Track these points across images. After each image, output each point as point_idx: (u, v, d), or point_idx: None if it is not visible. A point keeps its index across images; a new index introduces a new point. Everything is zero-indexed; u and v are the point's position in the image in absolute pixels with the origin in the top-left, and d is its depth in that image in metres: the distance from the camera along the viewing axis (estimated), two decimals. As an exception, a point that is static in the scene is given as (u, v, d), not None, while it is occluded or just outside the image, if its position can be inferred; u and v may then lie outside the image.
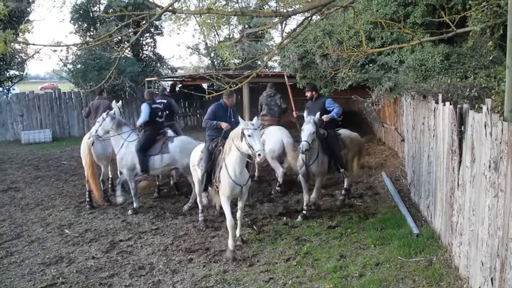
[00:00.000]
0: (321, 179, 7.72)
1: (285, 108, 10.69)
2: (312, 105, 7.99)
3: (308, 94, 8.10)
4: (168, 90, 9.23)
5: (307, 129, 7.11)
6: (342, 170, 7.77)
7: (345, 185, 8.40)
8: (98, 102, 10.00)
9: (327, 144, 7.61)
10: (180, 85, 20.26)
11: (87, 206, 8.62)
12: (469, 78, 7.96)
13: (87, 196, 8.73)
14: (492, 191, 3.90)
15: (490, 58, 8.37)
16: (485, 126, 4.09)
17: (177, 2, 4.93)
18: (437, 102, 6.17)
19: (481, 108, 4.27)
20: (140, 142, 8.28)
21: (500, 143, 3.67)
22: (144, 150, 8.22)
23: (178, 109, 9.97)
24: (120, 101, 12.76)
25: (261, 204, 8.45)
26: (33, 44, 10.61)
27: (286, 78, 13.22)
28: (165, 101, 9.53)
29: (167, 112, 9.29)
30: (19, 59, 19.95)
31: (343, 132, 8.31)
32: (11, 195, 9.72)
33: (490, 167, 3.95)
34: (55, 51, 20.15)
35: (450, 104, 5.44)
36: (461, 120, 4.92)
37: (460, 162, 5.04)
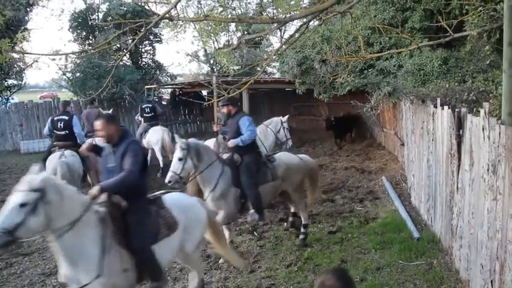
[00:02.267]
0: (225, 218, 6.07)
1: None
2: (230, 122, 6.67)
3: (224, 110, 6.64)
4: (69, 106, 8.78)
5: (174, 156, 5.96)
6: (251, 211, 6.18)
7: (303, 221, 6.82)
8: (88, 111, 10.01)
9: (239, 175, 6.15)
10: (180, 92, 20.32)
11: None
12: (467, 82, 7.99)
13: None
14: (491, 194, 3.92)
15: (488, 62, 8.41)
16: (483, 129, 4.11)
17: (174, 9, 4.96)
18: (435, 107, 6.20)
19: (479, 111, 4.30)
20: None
21: (498, 146, 3.69)
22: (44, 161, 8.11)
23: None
24: (152, 114, 12.67)
25: (261, 211, 8.43)
26: (30, 53, 10.62)
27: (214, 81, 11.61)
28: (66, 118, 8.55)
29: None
30: (17, 68, 19.92)
31: (280, 157, 6.70)
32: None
33: (488, 170, 3.97)
34: (54, 59, 20.21)
35: (448, 108, 5.48)
36: (459, 124, 4.95)
37: (459, 165, 5.06)
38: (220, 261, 6.11)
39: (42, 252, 6.94)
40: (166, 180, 5.94)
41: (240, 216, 7.49)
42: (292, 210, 7.15)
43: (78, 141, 8.36)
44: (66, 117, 8.37)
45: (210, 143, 8.96)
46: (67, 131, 8.31)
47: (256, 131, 6.53)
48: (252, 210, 6.18)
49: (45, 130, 8.81)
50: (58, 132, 8.36)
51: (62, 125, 8.33)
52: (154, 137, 11.85)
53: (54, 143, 8.40)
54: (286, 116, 10.50)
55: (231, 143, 6.28)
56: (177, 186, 5.97)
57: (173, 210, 4.46)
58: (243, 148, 6.24)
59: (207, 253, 6.52)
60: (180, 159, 5.80)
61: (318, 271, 5.70)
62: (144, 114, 12.64)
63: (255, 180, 6.16)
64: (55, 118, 8.51)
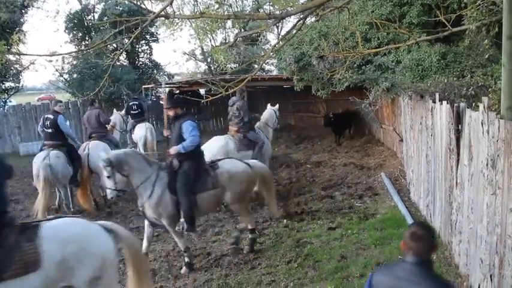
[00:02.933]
0: (169, 224, 5.92)
1: (247, 118, 9.20)
2: (175, 126, 6.31)
3: (170, 113, 6.33)
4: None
5: (104, 173, 5.87)
6: (181, 220, 5.84)
7: (249, 226, 6.52)
8: (89, 113, 9.90)
9: (175, 181, 5.88)
10: (178, 91, 20.28)
11: None
12: (465, 77, 7.98)
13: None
14: (490, 188, 3.91)
15: (487, 56, 8.40)
16: (482, 124, 4.10)
17: (170, 7, 4.94)
18: (434, 102, 6.19)
19: (478, 106, 4.28)
20: None
21: (497, 140, 3.68)
22: None
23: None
24: (124, 111, 12.88)
25: (261, 208, 8.44)
26: (26, 54, 10.57)
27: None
28: (52, 117, 8.61)
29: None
30: (14, 71, 19.88)
31: (224, 164, 6.31)
32: (11, 207, 9.66)
33: (487, 164, 3.96)
34: (51, 61, 20.11)
35: (447, 103, 5.46)
36: (458, 119, 4.94)
37: (458, 160, 5.05)
38: None
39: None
40: (109, 197, 5.94)
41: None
42: (241, 226, 6.76)
43: (69, 140, 8.60)
44: (52, 117, 8.50)
45: (219, 140, 9.02)
46: (53, 130, 8.46)
47: (199, 137, 6.05)
48: (181, 219, 5.84)
49: (38, 127, 9.01)
50: (46, 130, 8.55)
51: (48, 123, 8.49)
52: (138, 134, 12.24)
53: (44, 142, 8.60)
54: (276, 106, 10.57)
55: (173, 149, 5.98)
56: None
57: (46, 243, 3.58)
58: (183, 154, 5.91)
59: (207, 250, 6.52)
60: (108, 177, 5.75)
61: (317, 267, 5.71)
62: (131, 111, 12.97)
63: (191, 188, 5.86)
64: (45, 116, 8.71)
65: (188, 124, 6.00)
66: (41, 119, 8.78)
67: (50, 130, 8.48)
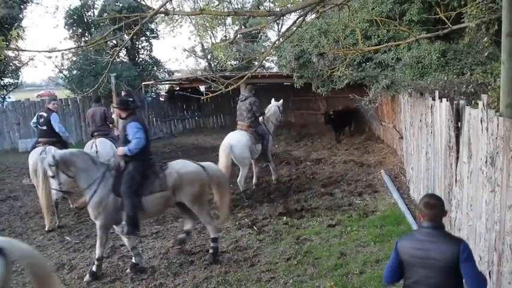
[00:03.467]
0: (102, 225, 5.78)
1: (259, 113, 9.54)
2: (122, 127, 6.22)
3: (122, 114, 6.12)
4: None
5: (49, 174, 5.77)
6: (123, 223, 5.74)
7: (211, 234, 6.24)
8: (93, 109, 9.70)
9: (120, 183, 5.70)
10: (178, 88, 20.29)
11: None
12: (465, 75, 7.98)
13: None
14: (489, 185, 3.92)
15: (486, 54, 8.40)
16: (481, 121, 4.10)
17: (170, 4, 4.93)
18: (434, 99, 6.19)
19: (478, 104, 4.28)
20: None
21: (496, 138, 3.68)
22: None
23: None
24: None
25: (260, 205, 8.46)
26: (25, 50, 10.57)
27: (113, 80, 11.62)
28: (45, 114, 8.64)
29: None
30: (13, 67, 19.84)
31: (174, 165, 6.12)
32: (9, 204, 9.67)
33: (486, 162, 3.97)
34: (50, 57, 20.18)
35: (447, 100, 5.46)
36: (458, 117, 4.94)
37: (457, 158, 5.06)
38: None
39: (43, 249, 6.96)
40: (54, 199, 5.87)
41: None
42: (185, 227, 6.50)
43: (63, 135, 8.56)
44: (46, 114, 8.51)
45: (243, 134, 9.06)
46: (47, 127, 8.48)
47: (144, 139, 5.84)
48: (123, 222, 5.72)
49: (32, 123, 9.01)
50: (40, 127, 8.57)
51: (42, 120, 8.52)
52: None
53: (38, 139, 8.59)
54: (281, 101, 10.73)
55: (119, 151, 5.88)
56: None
57: None
58: (129, 155, 5.78)
59: (207, 248, 6.53)
60: (52, 177, 5.70)
61: (317, 264, 5.72)
62: None
63: (136, 190, 5.68)
64: (39, 113, 8.72)
65: (133, 126, 5.80)
66: (35, 116, 8.81)
67: (44, 127, 8.50)
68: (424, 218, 3.03)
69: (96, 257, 5.86)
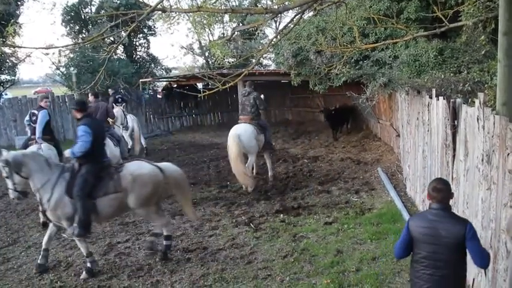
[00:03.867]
0: (69, 226, 5.76)
1: (262, 107, 9.94)
2: None
3: (77, 115, 6.05)
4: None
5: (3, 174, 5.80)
6: (74, 225, 5.66)
7: (164, 232, 6.26)
8: (94, 106, 9.60)
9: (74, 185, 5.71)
10: (175, 85, 20.28)
11: None
12: (462, 73, 8.00)
13: None
14: (485, 183, 3.94)
15: (483, 53, 8.41)
16: (477, 120, 4.12)
17: (167, 1, 4.93)
18: (431, 97, 6.20)
19: (474, 102, 4.30)
20: None
21: (493, 136, 3.70)
22: None
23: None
24: (124, 104, 13.10)
25: (257, 202, 8.46)
26: (22, 47, 10.50)
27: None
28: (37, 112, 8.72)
29: None
30: (10, 63, 19.75)
31: (129, 166, 6.04)
32: (6, 201, 9.63)
33: (482, 160, 3.98)
34: (47, 54, 20.01)
35: (444, 98, 5.48)
36: (454, 115, 4.95)
37: (454, 156, 5.07)
38: None
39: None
40: (11, 198, 5.92)
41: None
42: (155, 230, 6.42)
43: (37, 135, 8.41)
44: (37, 112, 8.56)
45: (249, 126, 9.40)
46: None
47: (88, 142, 5.70)
48: (74, 224, 5.65)
49: (25, 120, 9.10)
50: (33, 125, 8.58)
51: (34, 118, 8.57)
52: (118, 121, 12.49)
53: (32, 136, 8.58)
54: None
55: (66, 152, 5.92)
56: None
57: None
58: (82, 157, 5.75)
59: (204, 245, 6.54)
60: (6, 177, 5.73)
61: (314, 262, 5.73)
62: (117, 104, 13.59)
63: (89, 192, 5.66)
64: (31, 111, 8.78)
65: (81, 129, 5.78)
66: (28, 114, 8.86)
67: (36, 125, 8.52)
68: (433, 201, 3.33)
69: (85, 254, 5.89)
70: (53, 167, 5.85)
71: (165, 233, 6.19)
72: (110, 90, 15.39)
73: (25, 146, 8.46)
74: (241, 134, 9.22)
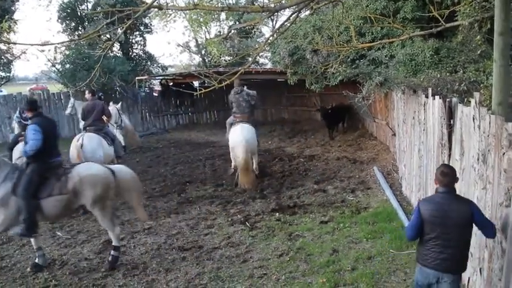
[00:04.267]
0: (1, 226, 5.75)
1: (254, 104, 10.21)
2: None
3: (28, 115, 6.21)
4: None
5: None
6: (20, 225, 5.66)
7: (113, 242, 6.09)
8: (91, 104, 9.39)
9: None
10: (171, 83, 20.22)
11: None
12: (458, 73, 8.01)
13: None
14: (480, 183, 3.95)
15: (479, 52, 8.42)
16: (473, 119, 4.12)
17: (163, -2, 4.91)
18: (427, 97, 6.21)
19: (470, 101, 4.31)
20: None
21: (488, 135, 3.70)
22: None
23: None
24: (121, 103, 13.00)
25: (253, 201, 8.46)
26: (17, 44, 10.43)
27: None
28: None
29: None
30: (5, 60, 19.64)
31: (78, 168, 6.00)
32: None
33: (478, 159, 3.99)
34: (43, 51, 19.97)
35: (440, 98, 5.48)
36: (450, 114, 4.96)
37: (449, 155, 5.08)
38: None
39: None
40: None
41: (233, 208, 7.49)
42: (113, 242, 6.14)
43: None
44: None
45: (250, 126, 9.62)
46: None
47: (39, 140, 5.72)
48: (20, 223, 5.65)
49: (14, 116, 8.97)
50: (24, 122, 8.70)
51: (26, 115, 8.50)
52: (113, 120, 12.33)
53: (22, 133, 8.59)
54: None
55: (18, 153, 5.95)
56: None
57: None
58: (31, 156, 5.78)
59: (199, 244, 6.53)
60: None
61: (309, 260, 5.73)
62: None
63: (33, 192, 5.65)
64: (21, 108, 8.97)
65: (31, 128, 5.80)
66: (17, 111, 8.88)
67: (27, 122, 8.57)
68: (440, 184, 3.63)
69: (34, 248, 6.01)
70: (1, 165, 5.86)
71: (113, 244, 6.07)
72: (123, 85, 15.40)
73: (15, 142, 8.44)
74: (248, 138, 9.32)
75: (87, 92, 9.60)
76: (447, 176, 3.60)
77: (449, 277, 3.57)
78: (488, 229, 3.50)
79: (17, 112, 8.81)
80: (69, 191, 5.74)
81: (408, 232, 3.82)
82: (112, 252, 6.04)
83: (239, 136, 9.33)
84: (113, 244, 6.07)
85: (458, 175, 4.69)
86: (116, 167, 6.37)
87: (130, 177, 6.39)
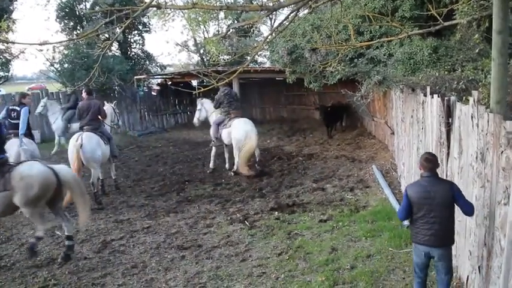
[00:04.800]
0: None
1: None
2: None
3: None
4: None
5: None
6: None
7: (65, 232, 6.37)
8: (87, 103, 9.34)
9: None
10: (170, 82, 20.22)
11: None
12: (456, 71, 8.02)
13: None
14: (479, 181, 3.95)
15: (477, 51, 8.44)
16: (472, 118, 4.13)
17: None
18: (425, 95, 6.22)
19: (468, 100, 4.31)
20: None
21: (487, 134, 3.71)
22: None
23: None
24: (115, 101, 12.99)
25: (252, 200, 8.47)
26: (16, 43, 10.41)
27: None
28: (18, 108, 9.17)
29: None
30: (3, 59, 19.61)
31: (21, 166, 6.12)
32: None
33: (476, 158, 4.00)
34: (41, 50, 19.85)
35: (438, 96, 5.48)
36: (449, 113, 4.96)
37: (448, 153, 5.09)
38: None
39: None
40: None
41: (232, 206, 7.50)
42: (38, 234, 6.23)
43: (20, 131, 8.86)
44: (19, 108, 8.99)
45: (248, 122, 10.41)
46: (19, 121, 8.95)
47: None
48: None
49: (0, 116, 9.35)
50: (12, 121, 8.96)
51: (15, 114, 8.98)
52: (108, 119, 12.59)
53: (10, 131, 8.85)
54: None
55: None
56: None
57: None
58: None
59: (198, 243, 6.53)
60: None
61: (308, 259, 5.74)
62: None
63: None
64: (9, 107, 9.18)
65: None
66: (5, 110, 9.19)
67: (15, 121, 8.93)
68: (424, 170, 4.04)
69: None
70: None
71: (66, 233, 6.24)
72: (122, 84, 15.43)
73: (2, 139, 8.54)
74: (254, 129, 10.19)
75: (83, 91, 9.62)
76: (431, 162, 4.02)
77: (438, 251, 4.00)
78: (468, 206, 3.88)
79: (4, 110, 9.15)
80: (11, 188, 5.83)
81: (399, 214, 4.28)
82: (66, 242, 6.27)
83: (247, 126, 10.20)
84: (65, 234, 6.28)
85: (456, 174, 4.73)
86: (58, 167, 6.38)
87: (73, 177, 6.50)
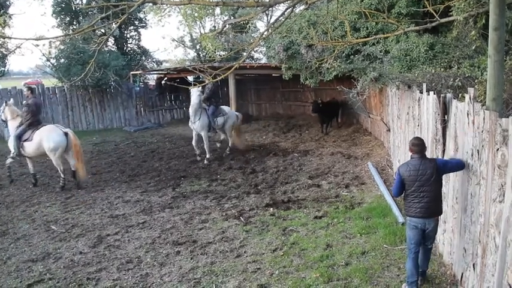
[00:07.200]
0: None
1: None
2: None
3: None
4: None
5: None
6: None
7: None
8: (35, 100, 10.02)
9: None
10: (166, 78, 20.15)
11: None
12: (453, 68, 8.03)
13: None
14: (474, 178, 3.96)
15: (474, 48, 8.46)
16: (467, 115, 4.13)
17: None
18: (421, 92, 6.22)
19: (464, 97, 4.31)
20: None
21: (482, 131, 3.71)
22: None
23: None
24: (12, 99, 12.92)
25: (247, 196, 8.46)
26: (12, 38, 10.35)
27: None
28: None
29: None
30: (0, 54, 19.50)
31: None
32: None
33: (472, 155, 4.00)
34: (37, 45, 19.76)
35: (434, 93, 5.49)
36: (444, 110, 4.97)
37: (443, 151, 5.10)
38: None
39: (28, 238, 6.89)
40: None
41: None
42: None
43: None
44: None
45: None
46: None
47: None
48: None
49: None
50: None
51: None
52: None
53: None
54: None
55: None
56: None
57: None
58: None
59: (193, 238, 6.53)
60: None
61: (303, 255, 5.74)
62: None
63: None
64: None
65: None
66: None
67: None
68: (413, 152, 4.57)
69: None
70: None
71: None
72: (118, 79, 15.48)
73: None
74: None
75: (25, 89, 10.49)
76: (418, 145, 4.56)
77: (429, 222, 4.53)
78: (456, 163, 4.39)
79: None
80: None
81: (394, 190, 4.77)
82: None
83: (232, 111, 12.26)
84: None
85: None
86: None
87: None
